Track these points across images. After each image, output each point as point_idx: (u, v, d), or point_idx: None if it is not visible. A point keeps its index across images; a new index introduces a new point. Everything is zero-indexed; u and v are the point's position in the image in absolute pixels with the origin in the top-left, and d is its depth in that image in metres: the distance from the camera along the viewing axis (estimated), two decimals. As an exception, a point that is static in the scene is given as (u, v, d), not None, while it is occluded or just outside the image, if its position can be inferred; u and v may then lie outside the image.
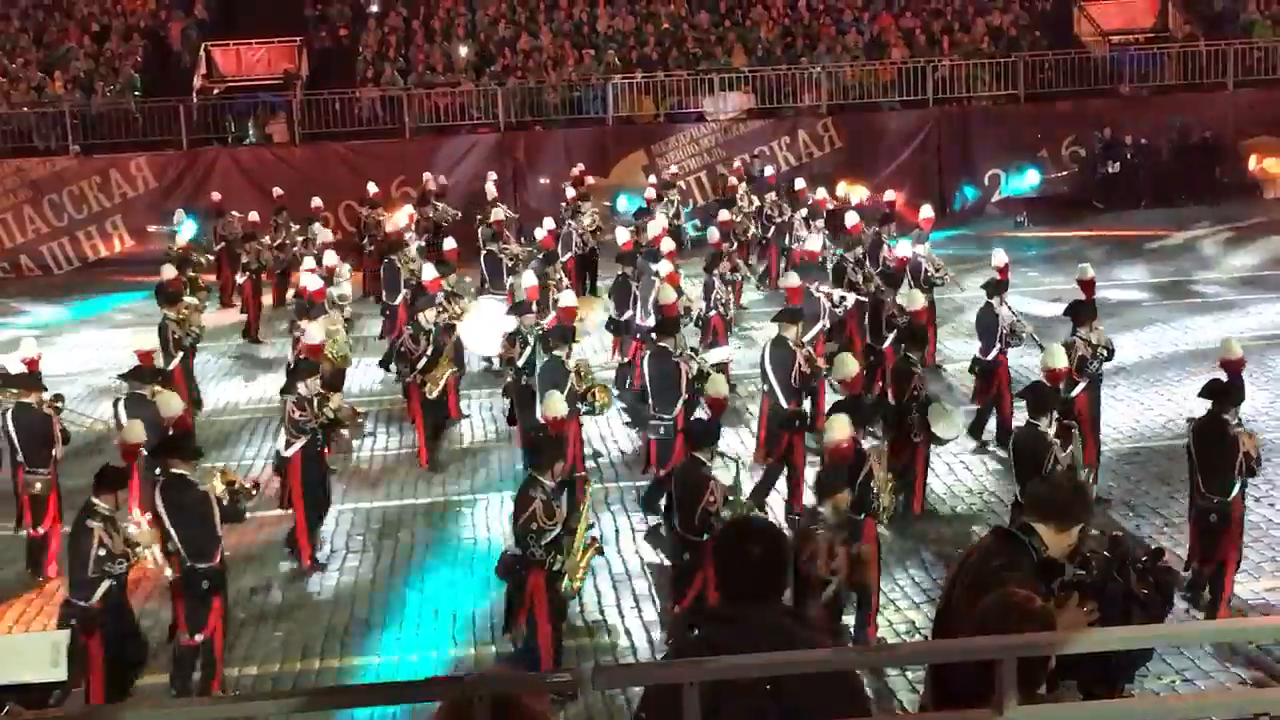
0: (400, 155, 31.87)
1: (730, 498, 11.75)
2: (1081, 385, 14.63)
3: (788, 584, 5.60)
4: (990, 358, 16.50)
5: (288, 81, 33.89)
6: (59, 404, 15.06)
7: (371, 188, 28.46)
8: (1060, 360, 13.63)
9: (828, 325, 18.51)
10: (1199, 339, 20.10)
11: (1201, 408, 12.27)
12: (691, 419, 13.67)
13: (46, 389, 15.03)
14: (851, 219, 21.07)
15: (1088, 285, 16.33)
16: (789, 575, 5.63)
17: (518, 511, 11.22)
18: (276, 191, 27.93)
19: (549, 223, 23.52)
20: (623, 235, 21.88)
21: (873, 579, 11.72)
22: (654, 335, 15.77)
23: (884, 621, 12.30)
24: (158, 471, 12.09)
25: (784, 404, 15.02)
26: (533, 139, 32.76)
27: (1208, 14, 36.10)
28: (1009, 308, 16.75)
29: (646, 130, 32.97)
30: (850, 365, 13.99)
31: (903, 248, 19.70)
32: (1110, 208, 31.59)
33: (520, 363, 16.34)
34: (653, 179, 29.66)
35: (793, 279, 18.03)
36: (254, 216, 25.91)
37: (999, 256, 18.05)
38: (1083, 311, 15.07)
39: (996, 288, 16.76)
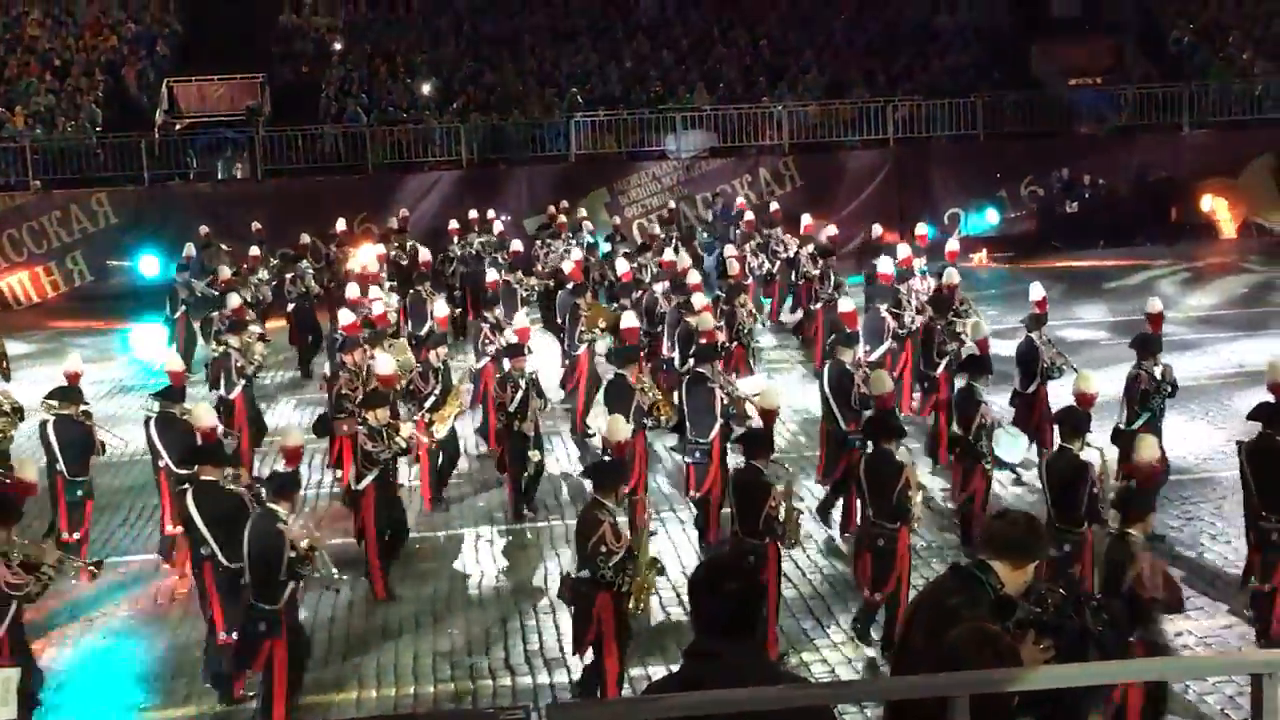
0: (363, 191, 31.88)
1: (784, 503, 12.11)
2: (1144, 418, 14.63)
3: (761, 621, 5.64)
4: (1030, 391, 16.51)
5: (250, 117, 33.88)
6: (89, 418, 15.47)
7: (340, 224, 28.42)
8: (1092, 385, 13.76)
9: (894, 346, 18.72)
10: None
11: (1252, 431, 12.42)
12: (748, 429, 13.86)
13: (86, 402, 15.49)
14: (903, 251, 21.12)
15: (1156, 319, 16.19)
16: (764, 613, 5.67)
17: (584, 534, 11.24)
18: (255, 225, 27.79)
19: (576, 253, 23.69)
20: (622, 266, 22.07)
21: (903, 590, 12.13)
22: (692, 362, 16.04)
23: (843, 658, 12.33)
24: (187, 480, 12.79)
25: (843, 425, 15.25)
26: (495, 175, 32.83)
27: (1164, 56, 36.55)
28: (1049, 341, 16.84)
29: (608, 167, 33.09)
30: (884, 381, 14.40)
31: (950, 274, 19.81)
32: (1069, 247, 31.82)
33: (511, 408, 15.93)
34: (616, 219, 29.76)
35: (847, 304, 18.41)
36: (254, 251, 25.63)
37: (1036, 290, 18.11)
38: (1148, 344, 15.04)
39: (1036, 321, 16.86)
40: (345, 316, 18.91)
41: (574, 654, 11.72)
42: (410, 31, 37.36)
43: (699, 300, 18.68)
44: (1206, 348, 22.43)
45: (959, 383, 15.14)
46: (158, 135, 33.27)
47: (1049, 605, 6.31)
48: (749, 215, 27.42)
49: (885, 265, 20.69)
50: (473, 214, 28.50)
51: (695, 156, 33.19)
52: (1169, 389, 14.81)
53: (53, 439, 14.83)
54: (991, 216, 32.53)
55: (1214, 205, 33.06)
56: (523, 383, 16.07)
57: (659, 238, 26.31)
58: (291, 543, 11.15)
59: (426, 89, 35.33)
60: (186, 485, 12.73)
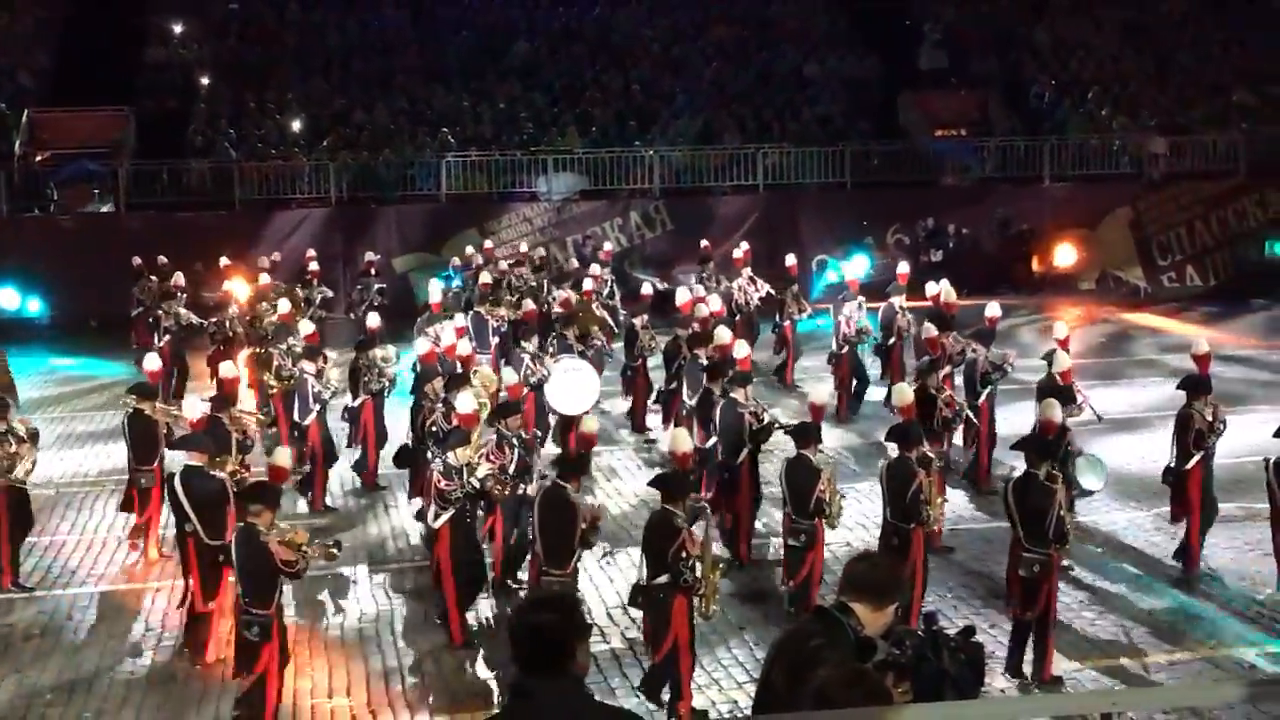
0: (230, 228, 31.39)
1: (830, 487, 13.69)
2: (1197, 458, 15.02)
3: (577, 654, 5.64)
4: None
5: (115, 150, 33.31)
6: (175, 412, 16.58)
7: (272, 258, 27.91)
8: (1056, 413, 14.46)
9: (951, 370, 19.22)
10: (1018, 425, 20.52)
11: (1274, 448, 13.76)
12: (799, 423, 14.81)
13: (158, 396, 16.92)
14: (993, 310, 20.96)
15: (1203, 359, 16.51)
16: (583, 645, 5.69)
17: (664, 542, 11.87)
18: (135, 261, 27.15)
19: (589, 283, 23.89)
20: (561, 295, 22.44)
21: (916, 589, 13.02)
22: (719, 390, 16.68)
23: (707, 701, 12.36)
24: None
25: (925, 444, 15.91)
26: (365, 214, 32.59)
27: (1026, 110, 37.40)
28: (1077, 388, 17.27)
29: (479, 208, 33.01)
30: (906, 394, 15.50)
31: (992, 307, 20.51)
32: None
33: (512, 470, 14.94)
34: (471, 252, 29.44)
35: (930, 329, 19.05)
36: (179, 279, 25.13)
37: (1060, 329, 18.83)
38: (1198, 385, 15.38)
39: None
40: (421, 345, 18.64)
41: (654, 658, 12.15)
42: (280, 68, 36.98)
43: (724, 333, 19.24)
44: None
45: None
46: (18, 166, 32.56)
47: (907, 647, 6.37)
48: (737, 252, 27.35)
49: (949, 294, 21.49)
50: (369, 256, 28.23)
51: (566, 199, 33.25)
52: (1222, 428, 15.13)
53: (127, 431, 16.26)
54: (860, 263, 32.84)
55: (1073, 256, 33.76)
56: (516, 441, 15.15)
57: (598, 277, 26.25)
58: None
59: (296, 125, 35.03)
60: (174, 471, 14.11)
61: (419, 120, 35.46)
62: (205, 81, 36.34)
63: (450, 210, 32.85)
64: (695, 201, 33.70)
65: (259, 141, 34.19)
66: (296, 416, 18.28)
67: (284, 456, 13.51)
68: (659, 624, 11.91)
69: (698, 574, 11.85)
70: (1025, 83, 38.28)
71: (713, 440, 16.30)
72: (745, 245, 27.99)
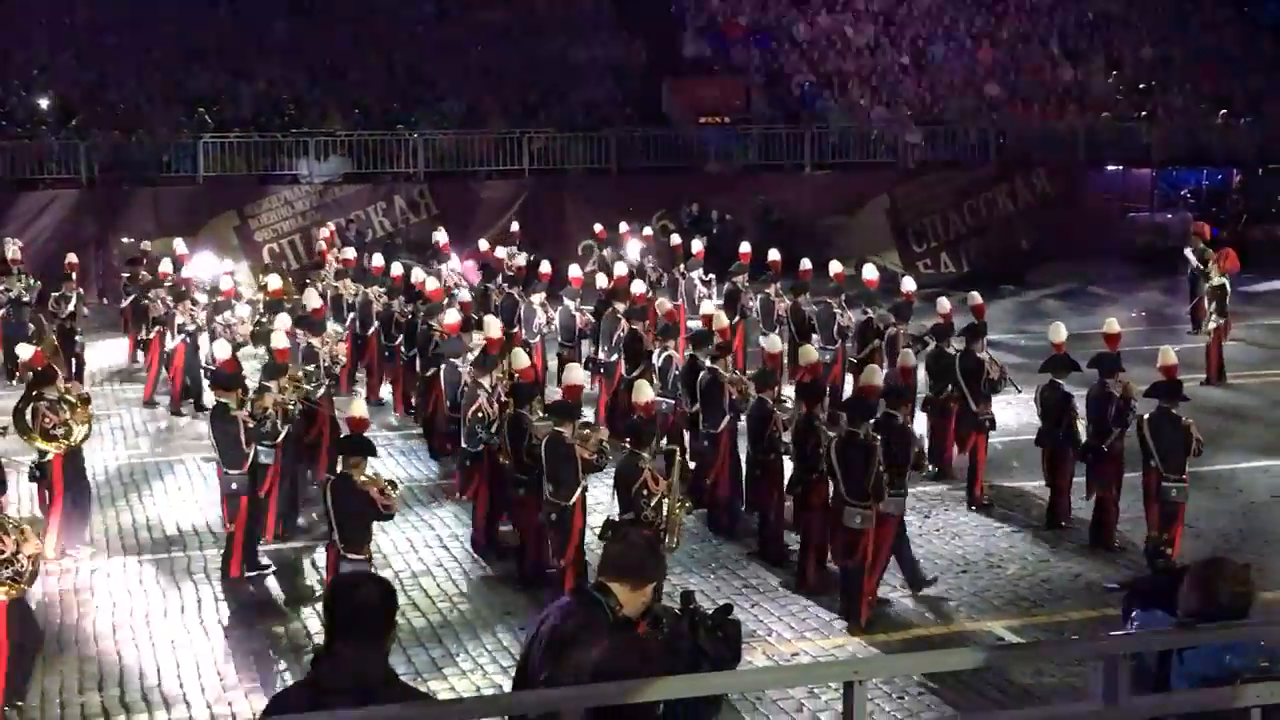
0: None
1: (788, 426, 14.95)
2: (1117, 433, 15.41)
3: (387, 630, 5.81)
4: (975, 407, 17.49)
5: None
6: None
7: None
8: (877, 378, 15.36)
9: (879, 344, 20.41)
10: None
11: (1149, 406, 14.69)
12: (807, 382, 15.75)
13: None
14: (908, 285, 21.81)
15: (1114, 338, 17.03)
16: (392, 628, 5.87)
17: (626, 482, 12.94)
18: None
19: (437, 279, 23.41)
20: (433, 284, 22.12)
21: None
22: (708, 360, 17.00)
23: (471, 687, 12.30)
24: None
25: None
26: (118, 196, 31.53)
27: (787, 100, 38.07)
28: (989, 355, 17.70)
29: (239, 190, 32.25)
30: (811, 354, 17.55)
31: (908, 282, 21.80)
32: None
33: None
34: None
35: (976, 297, 19.94)
36: (165, 266, 24.19)
37: (974, 298, 19.73)
38: (1113, 362, 15.86)
39: (975, 332, 17.80)
40: (493, 328, 17.81)
41: None
42: (26, 41, 35.52)
43: (665, 303, 21.02)
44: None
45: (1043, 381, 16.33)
46: None
47: (664, 626, 6.44)
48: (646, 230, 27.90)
49: (870, 272, 22.74)
50: (145, 245, 27.42)
51: (329, 182, 32.71)
52: (1135, 404, 15.46)
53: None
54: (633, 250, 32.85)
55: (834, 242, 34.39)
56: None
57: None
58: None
59: (44, 102, 33.74)
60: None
61: (175, 99, 34.47)
62: (-55, 55, 34.80)
63: (208, 192, 32.03)
64: (460, 185, 33.50)
65: (3, 119, 32.85)
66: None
67: (359, 406, 14.43)
68: None
69: (661, 511, 12.80)
70: (786, 72, 38.95)
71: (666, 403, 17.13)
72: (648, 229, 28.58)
